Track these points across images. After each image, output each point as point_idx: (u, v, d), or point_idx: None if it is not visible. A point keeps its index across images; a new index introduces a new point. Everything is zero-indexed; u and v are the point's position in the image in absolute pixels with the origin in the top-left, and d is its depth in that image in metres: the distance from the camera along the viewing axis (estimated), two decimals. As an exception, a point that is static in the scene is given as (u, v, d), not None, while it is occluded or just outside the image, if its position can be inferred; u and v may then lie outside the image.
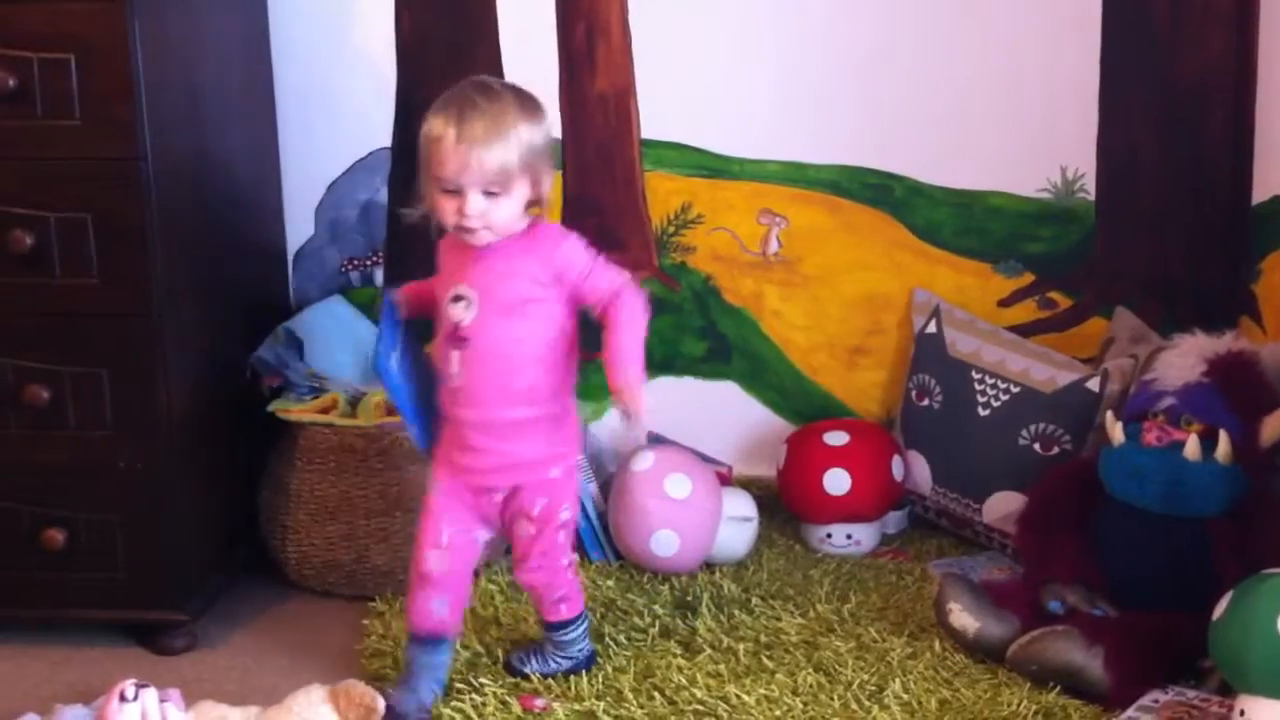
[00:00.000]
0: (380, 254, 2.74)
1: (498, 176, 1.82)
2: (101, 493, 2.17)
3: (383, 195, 2.71)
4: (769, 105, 2.65)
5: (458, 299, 1.91)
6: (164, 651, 2.24)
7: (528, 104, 1.87)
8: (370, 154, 2.70)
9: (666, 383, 2.74)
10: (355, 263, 2.74)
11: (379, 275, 2.74)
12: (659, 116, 2.67)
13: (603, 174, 2.70)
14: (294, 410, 2.42)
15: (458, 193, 1.84)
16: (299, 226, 2.73)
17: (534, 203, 1.90)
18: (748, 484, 2.62)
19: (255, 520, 2.49)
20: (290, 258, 2.74)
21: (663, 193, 2.70)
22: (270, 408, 2.43)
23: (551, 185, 1.92)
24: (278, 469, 2.45)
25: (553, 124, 1.94)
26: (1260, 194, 2.54)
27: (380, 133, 2.69)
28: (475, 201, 1.83)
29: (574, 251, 1.92)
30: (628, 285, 1.93)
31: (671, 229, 2.71)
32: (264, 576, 2.47)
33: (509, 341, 1.91)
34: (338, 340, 2.56)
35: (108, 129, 2.05)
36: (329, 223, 2.73)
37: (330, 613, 2.37)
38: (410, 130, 2.67)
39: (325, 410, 2.43)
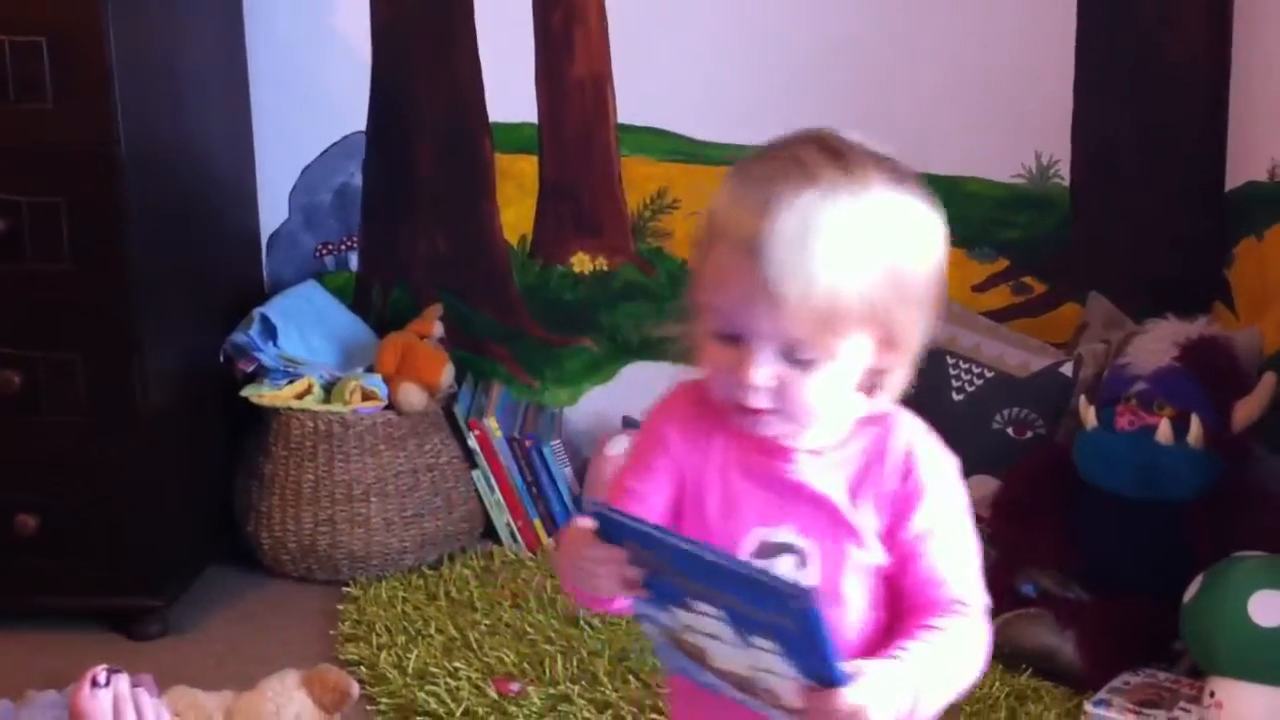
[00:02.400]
0: (355, 238, 2.73)
1: (814, 327, 1.01)
2: (74, 479, 2.16)
3: (357, 179, 2.70)
4: (745, 90, 2.64)
5: (775, 550, 1.08)
6: (138, 638, 2.23)
7: (905, 189, 1.08)
8: (345, 138, 2.69)
9: (643, 367, 2.73)
10: (330, 247, 2.73)
11: (353, 260, 2.73)
12: (636, 102, 2.66)
13: (579, 159, 2.69)
14: (268, 396, 2.41)
15: (735, 341, 1.03)
16: (273, 211, 2.71)
17: (877, 374, 1.07)
18: (723, 469, 2.62)
19: (230, 506, 2.48)
20: (264, 242, 2.72)
21: (639, 178, 2.69)
22: (244, 393, 2.42)
23: (918, 347, 1.08)
24: (252, 454, 2.44)
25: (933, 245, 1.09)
26: (1234, 180, 2.56)
27: (355, 116, 2.68)
28: (765, 364, 1.02)
29: (935, 490, 1.08)
30: (978, 609, 1.09)
31: (648, 214, 2.71)
32: (239, 562, 2.46)
33: (853, 622, 1.08)
34: (312, 325, 2.55)
35: (81, 113, 2.04)
36: (303, 207, 2.72)
37: (305, 598, 2.37)
38: (386, 113, 2.68)
39: (300, 395, 2.42)
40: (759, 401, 1.03)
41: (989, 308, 2.67)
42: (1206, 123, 2.57)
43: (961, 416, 2.48)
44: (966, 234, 2.66)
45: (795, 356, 1.02)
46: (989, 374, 2.49)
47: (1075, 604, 2.07)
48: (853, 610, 1.07)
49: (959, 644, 1.05)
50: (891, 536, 1.07)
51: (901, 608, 1.08)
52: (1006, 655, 2.02)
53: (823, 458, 1.08)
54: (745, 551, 1.07)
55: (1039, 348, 2.51)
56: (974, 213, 2.65)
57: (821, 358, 1.02)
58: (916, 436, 1.09)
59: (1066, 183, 2.64)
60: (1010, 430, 2.44)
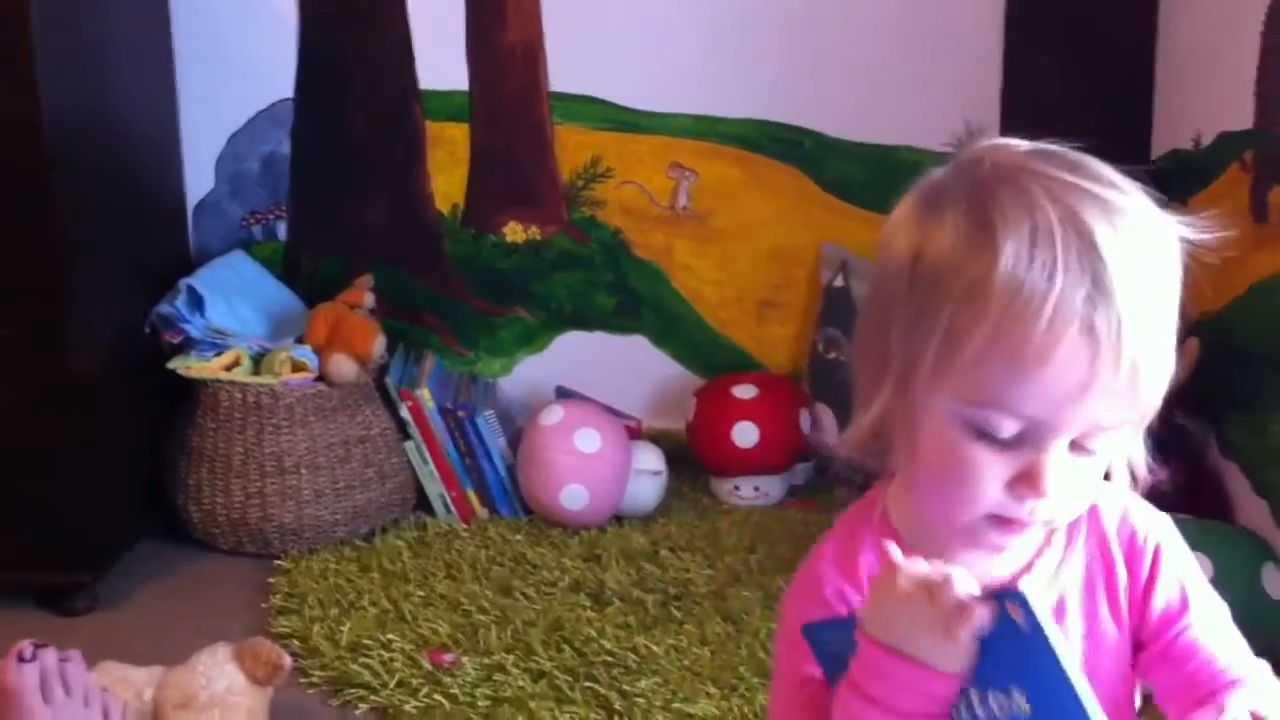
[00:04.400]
0: (284, 207, 2.69)
1: (1142, 412, 0.82)
2: (-2, 453, 2.13)
3: (285, 148, 2.66)
4: (679, 59, 2.64)
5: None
6: (66, 613, 2.20)
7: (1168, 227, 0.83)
8: (272, 105, 2.65)
9: (576, 337, 2.73)
10: (257, 216, 2.69)
11: (282, 229, 2.70)
12: (569, 69, 2.64)
13: (512, 128, 2.68)
14: (196, 368, 2.38)
15: (1021, 442, 0.79)
16: (199, 179, 2.67)
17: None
18: (657, 437, 2.63)
19: (159, 479, 2.45)
20: (190, 211, 2.68)
21: (572, 146, 2.68)
22: (171, 365, 2.39)
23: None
24: (181, 427, 2.41)
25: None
26: (1159, 149, 2.59)
27: (282, 83, 2.64)
28: (1059, 465, 0.79)
29: (1169, 560, 0.90)
30: (1260, 671, 0.88)
31: (581, 183, 2.70)
32: (169, 536, 2.43)
33: None
34: (240, 296, 2.51)
35: (1, 81, 1.99)
36: (230, 176, 2.68)
37: (236, 571, 2.35)
38: (314, 80, 2.64)
39: (228, 367, 2.39)
40: (1040, 513, 0.79)
41: (920, 276, 2.69)
42: (1132, 92, 2.60)
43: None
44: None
45: (1084, 446, 0.79)
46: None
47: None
48: None
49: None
50: (1139, 630, 0.88)
51: (1169, 704, 0.87)
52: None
53: (1032, 573, 0.86)
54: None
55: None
56: (906, 181, 2.66)
57: (1103, 448, 0.81)
58: (1127, 504, 0.89)
59: (996, 152, 2.66)
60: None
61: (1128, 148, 2.61)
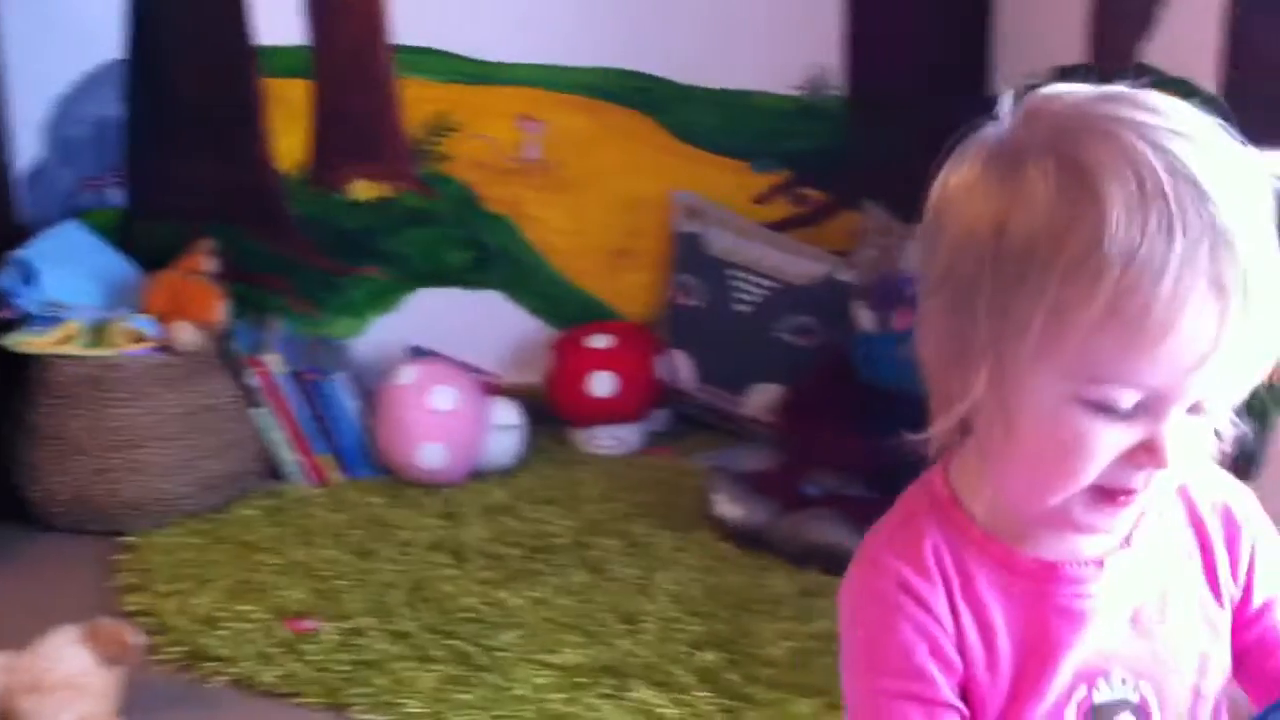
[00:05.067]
0: (118, 173, 2.60)
1: (1253, 367, 0.74)
2: None
3: (117, 111, 2.57)
4: (524, 8, 2.61)
5: (1108, 715, 0.80)
6: (-97, 603, 2.11)
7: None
8: (101, 66, 2.55)
9: (429, 295, 2.69)
10: (90, 183, 2.60)
11: (117, 195, 2.61)
12: (411, 21, 2.59)
13: (354, 83, 2.62)
14: (28, 342, 2.29)
15: (1139, 411, 0.73)
16: (27, 146, 2.56)
17: None
18: (515, 392, 2.61)
19: (-3, 460, 2.36)
20: (18, 181, 2.57)
21: (418, 100, 2.63)
22: (3, 341, 2.30)
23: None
24: (16, 404, 2.32)
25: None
26: (999, 84, 2.63)
27: (111, 43, 2.54)
28: (1179, 432, 0.73)
29: (1265, 538, 0.85)
30: None
31: (428, 138, 2.65)
32: (9, 517, 2.34)
33: None
34: (75, 266, 2.42)
35: None
36: (60, 141, 2.57)
37: (81, 551, 2.27)
38: (144, 39, 2.55)
39: (63, 340, 2.30)
40: (1156, 481, 0.74)
41: (771, 219, 2.71)
42: (973, 29, 2.64)
43: (746, 328, 2.53)
44: (748, 147, 2.69)
45: (1200, 407, 0.74)
46: (771, 284, 2.53)
47: (860, 501, 2.12)
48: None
49: None
50: (1238, 615, 0.83)
51: (1251, 685, 0.84)
52: (795, 554, 2.07)
53: (1132, 550, 0.80)
54: (1050, 694, 0.78)
55: (817, 256, 2.56)
56: (754, 126, 2.67)
57: (1222, 403, 0.75)
58: (1216, 478, 0.84)
59: (841, 93, 2.68)
60: (793, 338, 2.50)
61: (967, 83, 2.65)
